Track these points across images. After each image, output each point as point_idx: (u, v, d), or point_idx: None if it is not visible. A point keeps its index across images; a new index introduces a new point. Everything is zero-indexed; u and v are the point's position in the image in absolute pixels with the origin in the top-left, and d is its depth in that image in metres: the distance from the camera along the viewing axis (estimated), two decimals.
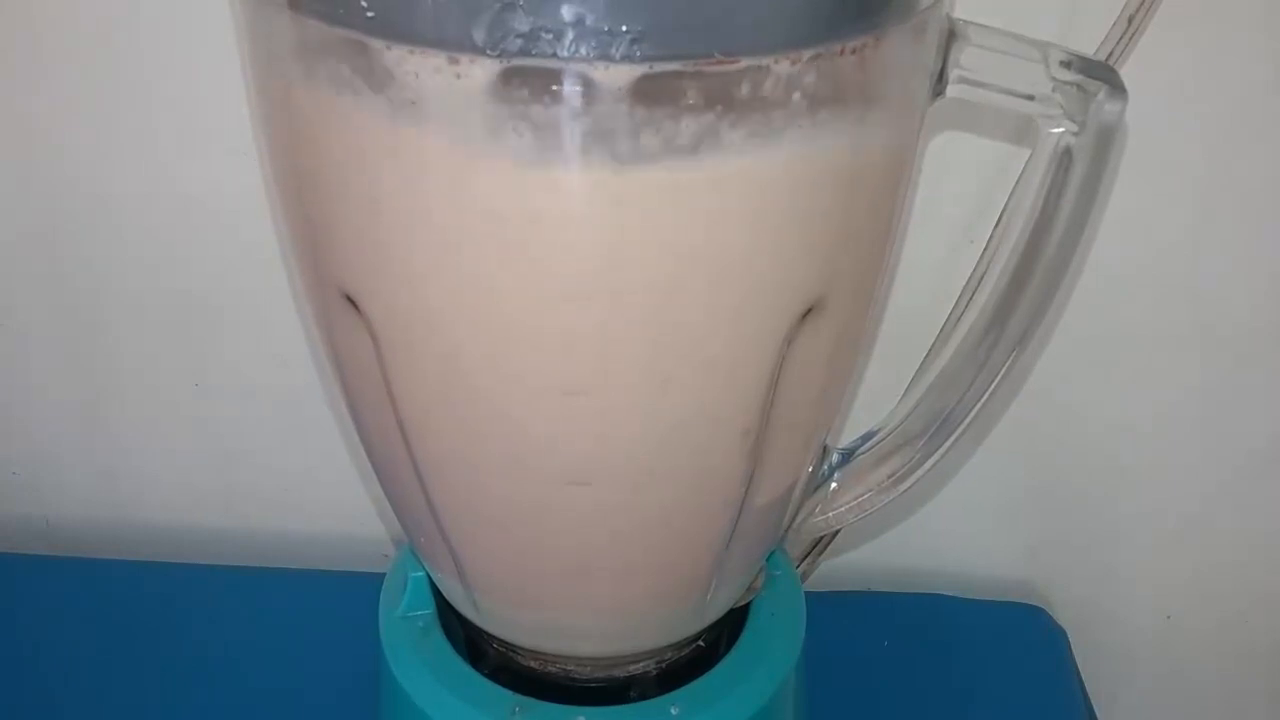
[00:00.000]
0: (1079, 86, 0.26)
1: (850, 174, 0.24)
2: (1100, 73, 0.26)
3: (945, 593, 0.48)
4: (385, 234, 0.23)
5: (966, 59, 0.26)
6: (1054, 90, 0.26)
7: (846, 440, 0.33)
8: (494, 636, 0.33)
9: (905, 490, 0.32)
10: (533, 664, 0.33)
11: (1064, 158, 0.27)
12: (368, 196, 0.23)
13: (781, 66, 0.21)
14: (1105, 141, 0.26)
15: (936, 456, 0.31)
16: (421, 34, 0.21)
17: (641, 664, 0.33)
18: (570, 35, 0.20)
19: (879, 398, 0.34)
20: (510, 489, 0.27)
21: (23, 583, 0.47)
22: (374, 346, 0.26)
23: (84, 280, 0.46)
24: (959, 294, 0.39)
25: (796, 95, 0.21)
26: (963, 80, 0.26)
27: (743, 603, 0.34)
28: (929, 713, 0.43)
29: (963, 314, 0.30)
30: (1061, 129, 0.27)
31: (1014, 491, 0.48)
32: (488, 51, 0.20)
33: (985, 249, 0.38)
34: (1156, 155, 0.40)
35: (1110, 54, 0.36)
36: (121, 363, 0.48)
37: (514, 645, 0.33)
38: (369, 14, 0.21)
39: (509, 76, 0.20)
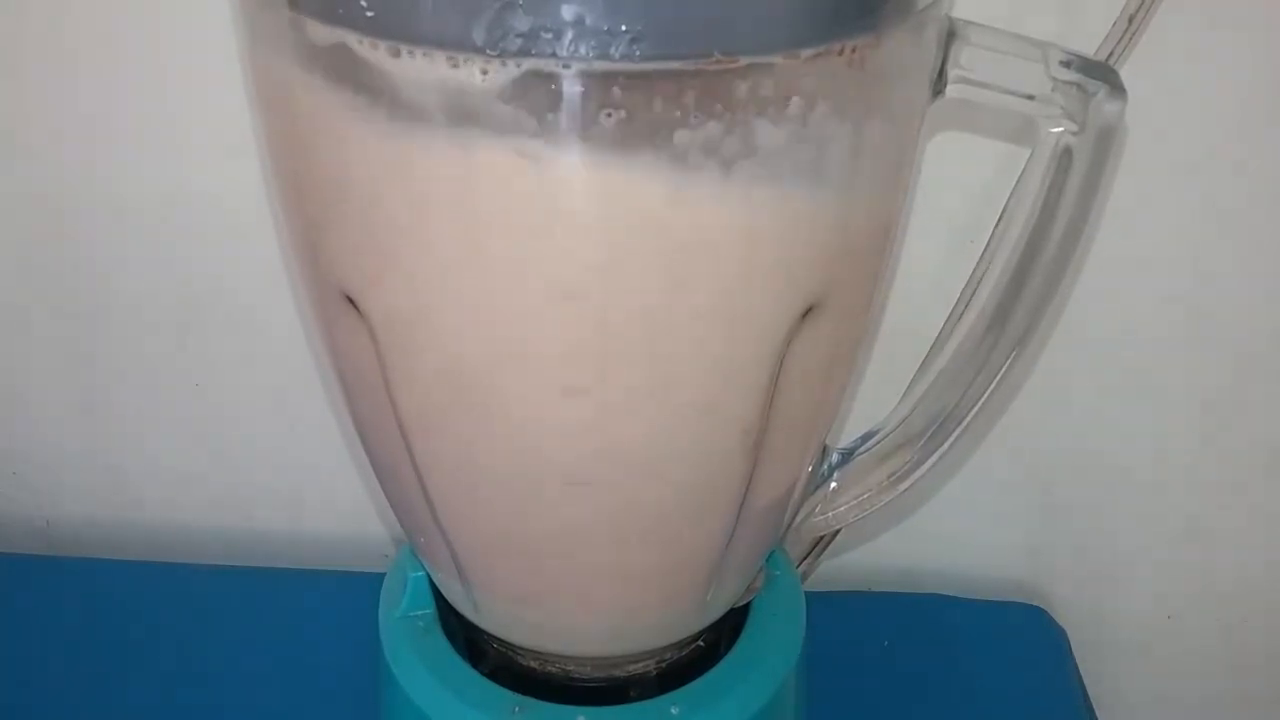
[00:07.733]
0: (1079, 86, 0.26)
1: (850, 174, 0.24)
2: (1100, 73, 0.26)
3: (945, 593, 0.48)
4: (385, 234, 0.23)
5: (966, 59, 0.26)
6: (1054, 90, 0.26)
7: (846, 440, 0.33)
8: (494, 636, 0.33)
9: (905, 490, 0.32)
10: (533, 664, 0.33)
11: (1064, 157, 0.27)
12: (367, 197, 0.23)
13: (781, 66, 0.21)
14: (1105, 141, 0.26)
15: (936, 456, 0.31)
16: (421, 34, 0.21)
17: (641, 664, 0.33)
18: (570, 35, 0.20)
19: (879, 398, 0.34)
20: (510, 489, 0.27)
21: (23, 583, 0.47)
22: (374, 346, 0.26)
23: (84, 280, 0.46)
24: (959, 294, 0.39)
25: (796, 95, 0.21)
26: (962, 80, 0.26)
27: (743, 603, 0.34)
28: (929, 713, 0.43)
29: (963, 314, 0.30)
30: (1061, 129, 0.27)
31: (1014, 491, 0.48)
32: (487, 51, 0.20)
33: (985, 249, 0.38)
34: (1156, 155, 0.40)
35: (1110, 54, 0.36)
36: (121, 363, 0.48)
37: (514, 645, 0.33)
38: (369, 14, 0.21)
39: (509, 78, 0.20)
